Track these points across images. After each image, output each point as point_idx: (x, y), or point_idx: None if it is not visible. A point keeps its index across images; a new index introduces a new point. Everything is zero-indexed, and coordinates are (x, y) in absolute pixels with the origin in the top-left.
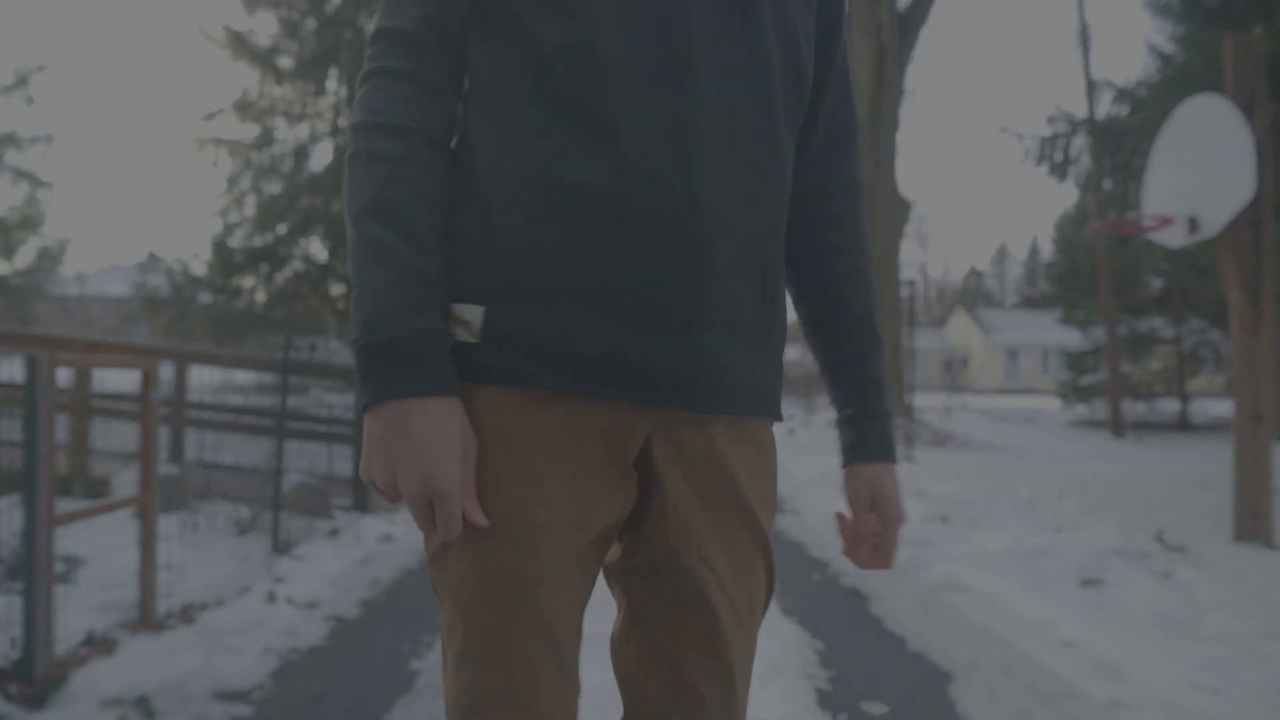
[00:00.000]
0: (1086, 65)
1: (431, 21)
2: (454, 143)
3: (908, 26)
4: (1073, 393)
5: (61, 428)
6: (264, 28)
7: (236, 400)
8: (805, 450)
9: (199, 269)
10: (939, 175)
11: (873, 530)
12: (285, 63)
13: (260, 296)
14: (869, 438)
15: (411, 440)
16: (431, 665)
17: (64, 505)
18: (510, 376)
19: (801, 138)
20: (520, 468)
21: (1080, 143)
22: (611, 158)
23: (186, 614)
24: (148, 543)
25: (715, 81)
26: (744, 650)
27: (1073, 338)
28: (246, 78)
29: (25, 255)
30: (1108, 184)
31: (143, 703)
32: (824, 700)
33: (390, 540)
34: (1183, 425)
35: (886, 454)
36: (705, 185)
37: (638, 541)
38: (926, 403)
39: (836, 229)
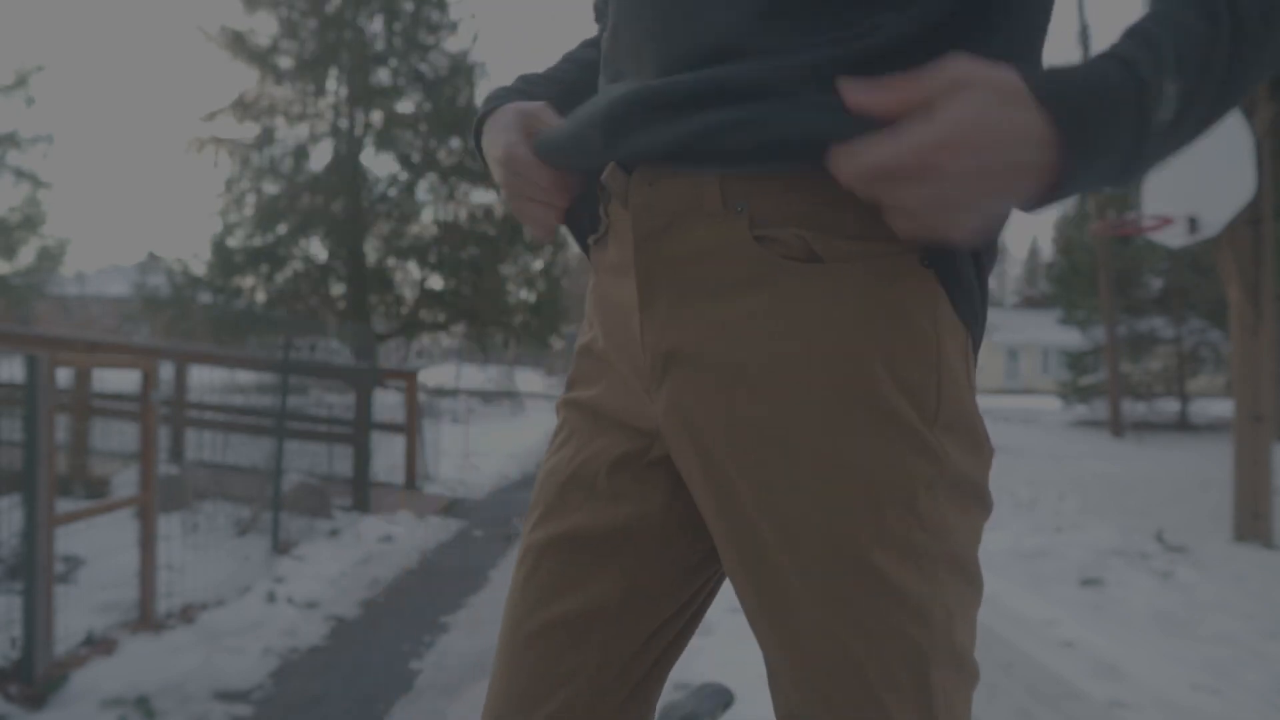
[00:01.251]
0: None
1: None
2: None
3: None
4: (1073, 393)
5: (61, 428)
6: (264, 27)
7: (237, 400)
8: None
9: (199, 269)
10: None
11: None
12: (285, 63)
13: (260, 296)
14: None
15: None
16: (431, 665)
17: (64, 505)
18: None
19: None
20: None
21: None
22: None
23: (186, 614)
24: (148, 543)
25: None
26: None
27: (1073, 338)
28: (246, 78)
29: (25, 255)
30: None
31: (143, 703)
32: None
33: (390, 540)
34: (1183, 425)
35: (1033, 80)
36: None
37: None
38: None
39: None
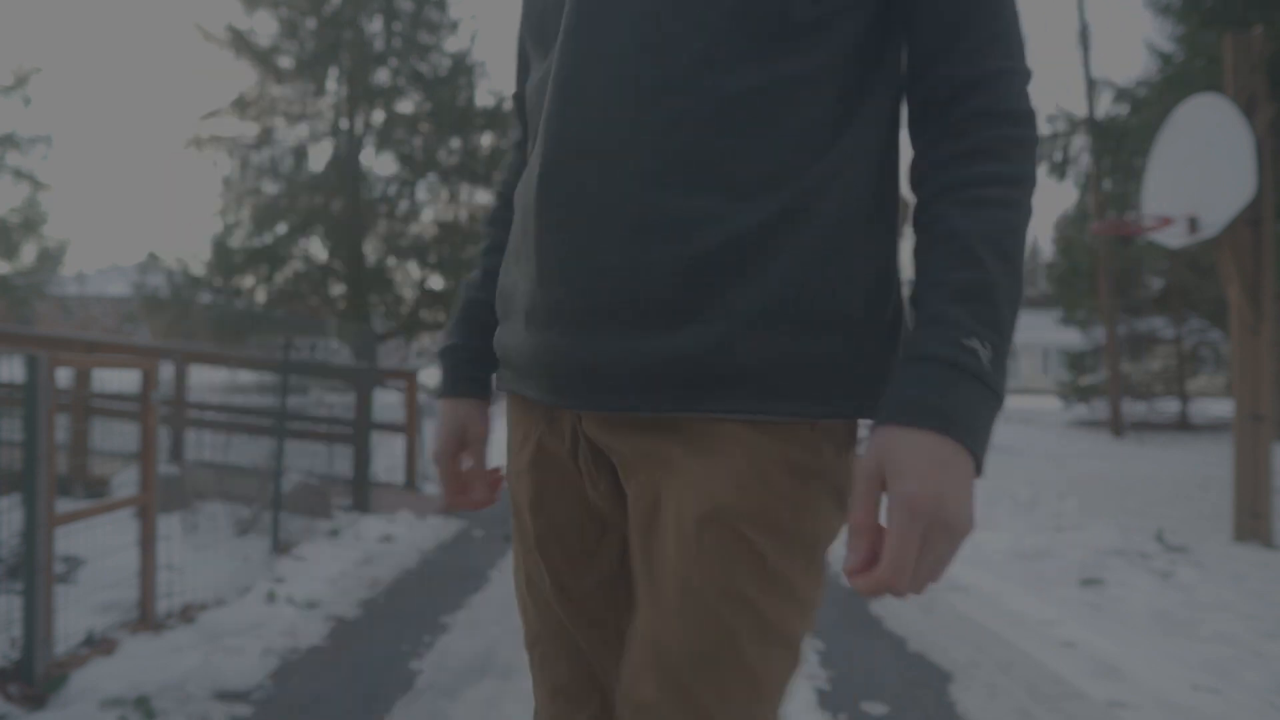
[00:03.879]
0: (1086, 64)
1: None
2: None
3: None
4: (1072, 393)
5: (61, 428)
6: (264, 27)
7: (237, 400)
8: None
9: (199, 269)
10: None
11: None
12: (285, 62)
13: (260, 296)
14: (893, 389)
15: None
16: (431, 665)
17: (64, 505)
18: (500, 383)
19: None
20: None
21: (1080, 142)
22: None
23: (186, 614)
24: (148, 543)
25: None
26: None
27: (1073, 338)
28: (246, 77)
29: (26, 256)
30: (1108, 184)
31: (143, 703)
32: (824, 700)
33: (390, 540)
34: (1183, 425)
35: (902, 413)
36: (551, 154)
37: None
38: None
39: (947, 137)
